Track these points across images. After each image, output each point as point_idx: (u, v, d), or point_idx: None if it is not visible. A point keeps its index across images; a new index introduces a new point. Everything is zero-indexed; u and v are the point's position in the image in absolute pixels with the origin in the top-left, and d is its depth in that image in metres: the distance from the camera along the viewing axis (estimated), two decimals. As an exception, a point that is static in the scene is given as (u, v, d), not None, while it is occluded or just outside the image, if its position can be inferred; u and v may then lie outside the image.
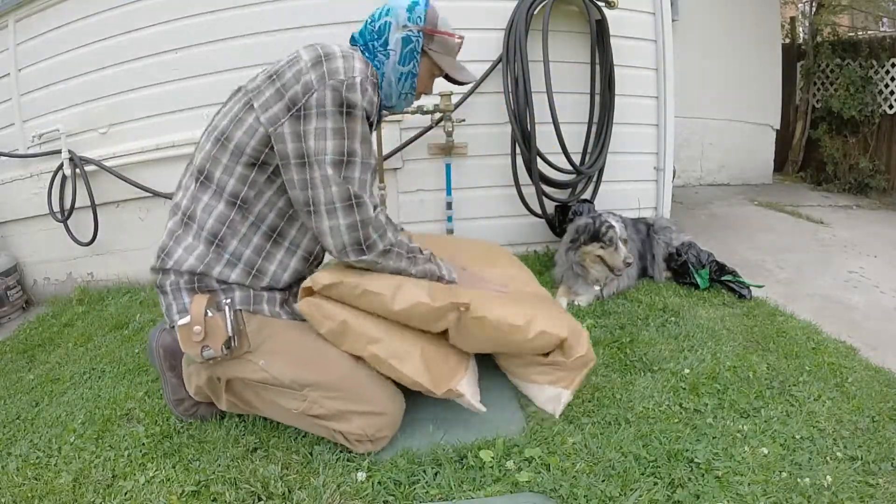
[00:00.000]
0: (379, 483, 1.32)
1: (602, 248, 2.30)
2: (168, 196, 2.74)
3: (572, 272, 2.38)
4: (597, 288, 2.34)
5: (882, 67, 4.57)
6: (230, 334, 1.30)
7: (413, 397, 1.71)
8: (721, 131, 5.03)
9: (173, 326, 1.35)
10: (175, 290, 1.37)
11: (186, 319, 1.29)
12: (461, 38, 1.54)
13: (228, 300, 1.34)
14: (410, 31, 1.43)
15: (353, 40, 1.49)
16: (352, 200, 1.31)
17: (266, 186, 1.38)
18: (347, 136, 1.31)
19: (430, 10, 1.46)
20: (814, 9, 5.24)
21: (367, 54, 1.44)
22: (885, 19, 5.89)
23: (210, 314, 1.29)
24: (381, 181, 2.61)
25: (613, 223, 2.29)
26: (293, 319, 1.43)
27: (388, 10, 1.44)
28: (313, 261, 1.51)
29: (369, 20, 1.47)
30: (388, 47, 1.43)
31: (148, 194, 2.73)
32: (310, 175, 1.30)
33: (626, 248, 2.28)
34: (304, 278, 1.42)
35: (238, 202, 1.37)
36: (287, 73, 1.32)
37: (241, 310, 1.36)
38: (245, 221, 1.38)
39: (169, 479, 1.36)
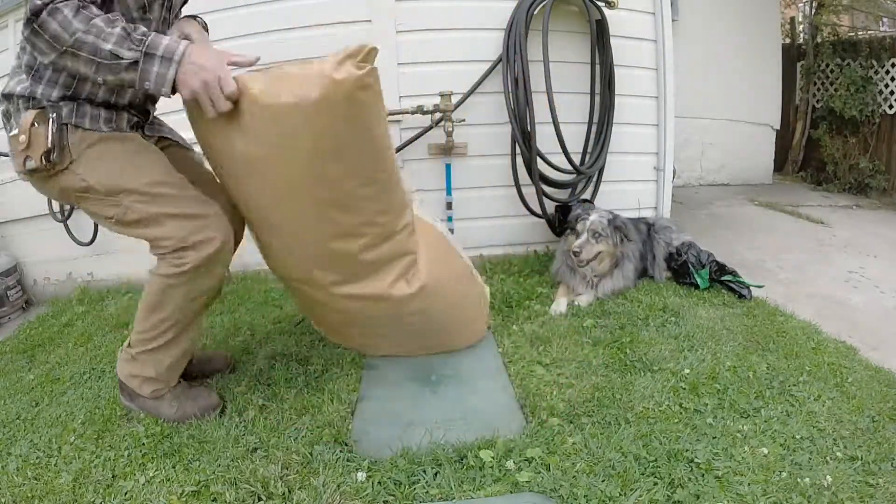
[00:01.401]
0: (379, 483, 1.32)
1: (574, 237, 2.34)
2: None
3: (566, 266, 2.42)
4: (585, 281, 2.35)
5: (882, 67, 4.57)
6: (49, 146, 1.34)
7: (414, 397, 1.71)
8: (721, 131, 5.03)
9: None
10: (14, 112, 1.40)
11: (15, 131, 1.35)
12: None
13: (54, 115, 1.36)
14: None
15: None
16: None
17: None
18: None
19: None
20: (814, 9, 5.24)
21: None
22: (885, 19, 5.89)
23: (36, 125, 1.33)
24: (381, 181, 2.61)
25: (590, 215, 2.33)
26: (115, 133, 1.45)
27: None
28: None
29: None
30: None
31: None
32: None
33: (585, 239, 2.28)
34: (119, 101, 1.45)
35: None
36: None
37: (66, 124, 1.38)
38: None
39: (169, 479, 1.36)
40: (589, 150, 2.85)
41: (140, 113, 1.56)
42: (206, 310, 1.64)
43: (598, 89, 2.79)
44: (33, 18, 1.29)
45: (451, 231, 2.81)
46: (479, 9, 2.62)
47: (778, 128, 5.23)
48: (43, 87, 1.39)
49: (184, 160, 1.64)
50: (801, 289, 2.61)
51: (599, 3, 2.65)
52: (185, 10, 1.65)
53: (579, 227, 2.33)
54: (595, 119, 2.82)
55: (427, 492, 1.30)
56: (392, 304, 1.68)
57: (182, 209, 1.44)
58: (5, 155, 2.79)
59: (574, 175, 2.75)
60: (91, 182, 1.39)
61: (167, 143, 1.65)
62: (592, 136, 2.85)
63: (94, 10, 1.26)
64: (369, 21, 2.56)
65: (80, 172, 1.39)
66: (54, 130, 1.34)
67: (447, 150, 2.66)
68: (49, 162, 1.35)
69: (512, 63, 2.50)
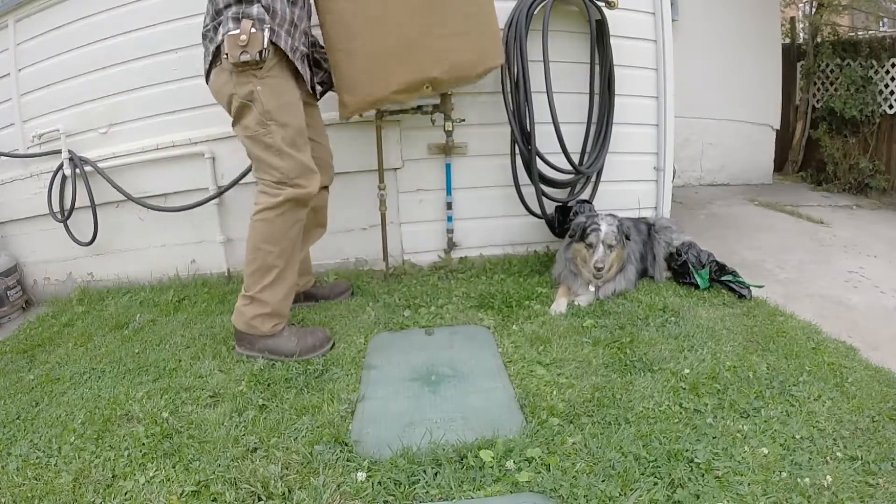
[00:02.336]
0: (379, 483, 1.32)
1: (586, 248, 2.31)
2: (156, 199, 2.74)
3: (568, 270, 2.40)
4: (591, 288, 2.34)
5: (882, 67, 4.57)
6: (264, 46, 1.71)
7: (414, 397, 1.71)
8: (721, 131, 5.03)
9: (222, 41, 1.74)
10: (224, 20, 1.74)
11: (237, 31, 1.70)
12: None
13: (268, 26, 1.74)
14: None
15: None
16: None
17: None
18: None
19: None
20: (814, 9, 5.24)
21: None
22: (885, 19, 5.89)
23: (254, 30, 1.69)
24: (381, 181, 2.61)
25: (601, 225, 2.29)
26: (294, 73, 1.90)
27: None
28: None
29: None
30: None
31: (148, 195, 2.73)
32: None
33: (604, 253, 2.26)
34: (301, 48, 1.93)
35: None
36: None
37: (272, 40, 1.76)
38: None
39: (169, 479, 1.36)
40: (588, 150, 2.85)
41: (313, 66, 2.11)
42: (301, 243, 2.00)
43: (597, 89, 2.79)
44: None
45: (452, 231, 2.81)
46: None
47: (778, 128, 5.23)
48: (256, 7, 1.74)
49: (311, 117, 2.06)
50: (801, 289, 2.61)
51: (599, 3, 2.65)
52: None
53: (592, 238, 2.28)
54: (595, 119, 2.82)
55: (427, 492, 1.30)
56: None
57: (299, 156, 1.85)
58: (5, 155, 2.82)
59: (573, 175, 2.75)
60: (262, 98, 1.77)
61: (307, 102, 2.03)
62: (592, 136, 2.84)
63: None
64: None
65: (259, 86, 1.76)
66: (268, 37, 1.72)
67: (447, 149, 2.66)
68: (262, 59, 1.72)
69: (512, 63, 2.50)
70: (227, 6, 1.75)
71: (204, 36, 1.85)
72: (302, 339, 1.95)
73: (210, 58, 1.83)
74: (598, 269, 2.24)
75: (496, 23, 2.39)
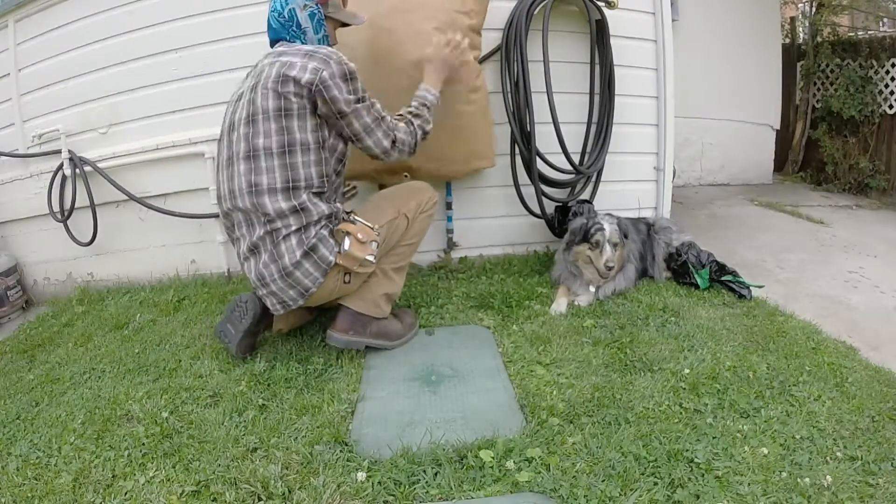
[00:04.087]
0: (379, 483, 1.32)
1: (590, 249, 2.31)
2: (151, 198, 2.74)
3: (569, 272, 2.39)
4: (592, 288, 2.34)
5: (882, 67, 4.57)
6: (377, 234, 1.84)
7: (414, 397, 1.71)
8: (721, 131, 5.03)
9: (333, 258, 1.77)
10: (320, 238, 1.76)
11: (348, 242, 1.76)
12: None
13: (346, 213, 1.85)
14: (310, 6, 1.81)
15: (274, 35, 1.85)
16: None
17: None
18: None
19: None
20: (814, 9, 5.24)
21: (291, 39, 1.83)
22: (885, 19, 5.89)
23: (360, 237, 1.77)
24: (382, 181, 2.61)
25: (604, 225, 2.29)
26: None
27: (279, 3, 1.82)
28: None
29: (275, 13, 1.82)
30: (302, 27, 1.82)
31: (147, 195, 2.73)
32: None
33: (612, 252, 2.26)
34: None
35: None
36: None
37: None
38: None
39: (169, 479, 1.36)
40: (588, 150, 2.85)
41: None
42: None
43: (597, 89, 2.78)
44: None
45: (452, 231, 2.81)
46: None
47: (778, 128, 5.23)
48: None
49: None
50: (801, 289, 2.61)
51: (599, 3, 2.65)
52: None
53: (598, 238, 2.28)
54: (595, 119, 2.81)
55: (427, 492, 1.30)
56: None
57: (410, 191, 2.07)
58: (5, 155, 2.82)
59: (574, 175, 2.75)
60: (381, 221, 1.92)
61: None
62: (592, 136, 2.84)
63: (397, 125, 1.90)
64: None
65: (375, 227, 1.88)
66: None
67: (447, 150, 2.66)
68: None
69: (511, 63, 2.50)
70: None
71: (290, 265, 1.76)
72: (403, 321, 2.06)
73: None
74: (609, 269, 2.25)
75: (491, 125, 2.53)
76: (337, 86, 1.69)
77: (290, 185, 1.71)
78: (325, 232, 1.75)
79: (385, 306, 1.98)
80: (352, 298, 1.93)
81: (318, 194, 1.76)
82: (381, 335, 1.98)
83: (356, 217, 1.83)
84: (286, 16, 1.80)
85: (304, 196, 1.72)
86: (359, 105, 1.75)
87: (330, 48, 1.79)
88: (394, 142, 1.84)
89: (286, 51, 1.77)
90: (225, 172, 1.83)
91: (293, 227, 1.72)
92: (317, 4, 1.81)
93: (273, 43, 1.87)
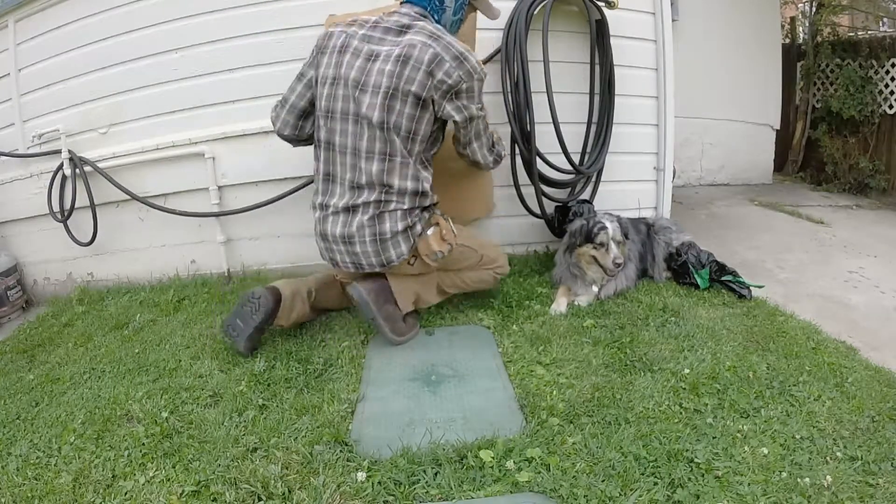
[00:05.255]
0: (379, 483, 1.32)
1: (595, 249, 2.31)
2: (153, 198, 2.74)
3: (570, 273, 2.39)
4: (595, 289, 2.34)
5: (882, 67, 4.57)
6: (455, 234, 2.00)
7: (414, 397, 1.71)
8: (721, 131, 5.03)
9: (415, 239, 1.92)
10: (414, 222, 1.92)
11: (432, 232, 1.94)
12: None
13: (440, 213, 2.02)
14: None
15: (417, 2, 1.90)
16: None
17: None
18: None
19: None
20: (814, 9, 5.24)
21: (430, 11, 1.90)
22: (885, 19, 5.88)
23: (444, 234, 1.97)
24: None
25: (606, 224, 2.29)
26: None
27: None
28: None
29: None
30: (445, 4, 1.91)
31: (148, 195, 2.73)
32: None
33: (617, 250, 2.27)
34: None
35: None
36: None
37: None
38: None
39: (169, 479, 1.36)
40: (588, 150, 2.85)
41: None
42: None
43: (597, 89, 2.78)
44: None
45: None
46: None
47: (778, 128, 5.23)
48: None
49: None
50: (801, 289, 2.61)
51: (599, 3, 2.65)
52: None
53: (602, 237, 2.28)
54: (595, 119, 2.81)
55: (427, 492, 1.30)
56: None
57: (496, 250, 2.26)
58: (5, 155, 2.82)
59: (574, 175, 2.75)
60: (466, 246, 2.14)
61: None
62: (592, 136, 2.84)
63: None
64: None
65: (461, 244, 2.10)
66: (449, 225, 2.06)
67: (447, 150, 2.66)
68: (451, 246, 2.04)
69: (511, 63, 2.50)
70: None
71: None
72: (405, 319, 2.10)
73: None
74: (618, 265, 2.26)
75: (490, 183, 2.65)
76: (470, 97, 1.85)
77: (421, 171, 1.90)
78: (425, 215, 1.93)
79: (409, 305, 2.04)
80: (396, 278, 2.00)
81: (430, 184, 1.94)
82: (389, 319, 1.99)
83: (448, 217, 2.00)
84: None
85: (427, 184, 1.90)
86: (480, 115, 1.92)
87: (464, 45, 1.83)
88: (491, 149, 2.07)
89: (435, 32, 1.81)
90: (346, 126, 1.85)
91: (405, 206, 1.87)
92: None
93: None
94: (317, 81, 1.90)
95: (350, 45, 1.85)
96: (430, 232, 1.93)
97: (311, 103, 1.96)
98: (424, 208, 1.93)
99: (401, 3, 1.93)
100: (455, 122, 1.87)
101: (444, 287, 2.14)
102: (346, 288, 2.03)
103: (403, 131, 1.82)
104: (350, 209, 1.88)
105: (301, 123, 2.01)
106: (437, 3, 1.89)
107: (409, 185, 1.86)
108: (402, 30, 1.84)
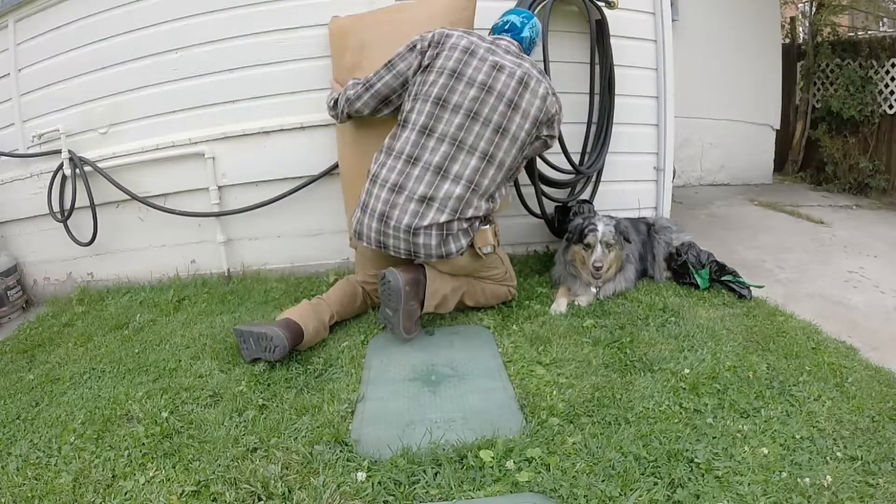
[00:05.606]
0: (379, 483, 1.32)
1: (584, 249, 2.31)
2: (154, 198, 2.74)
3: (569, 273, 2.40)
4: (594, 289, 2.34)
5: (882, 67, 4.57)
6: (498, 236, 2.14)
7: (414, 397, 1.71)
8: (721, 131, 5.03)
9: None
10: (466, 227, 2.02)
11: (488, 227, 2.06)
12: None
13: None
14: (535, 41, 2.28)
15: (517, 37, 2.15)
16: None
17: None
18: None
19: None
20: (814, 9, 5.24)
21: (524, 49, 2.17)
22: (885, 19, 5.88)
23: (496, 232, 2.11)
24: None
25: (598, 226, 2.29)
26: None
27: (535, 27, 2.22)
28: None
29: (528, 39, 2.18)
30: (534, 45, 2.26)
31: (148, 195, 2.73)
32: None
33: (602, 252, 2.26)
34: None
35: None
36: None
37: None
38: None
39: (169, 479, 1.36)
40: (588, 149, 2.85)
41: None
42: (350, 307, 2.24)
43: (597, 89, 2.79)
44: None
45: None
46: (479, 9, 2.61)
47: (778, 128, 5.23)
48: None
49: None
50: (801, 289, 2.61)
51: (599, 3, 2.65)
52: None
53: (590, 239, 2.28)
54: (595, 119, 2.82)
55: (427, 492, 1.30)
56: None
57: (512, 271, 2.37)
58: (5, 155, 2.82)
59: (574, 175, 2.75)
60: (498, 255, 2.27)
61: None
62: (592, 136, 2.84)
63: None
64: (369, 21, 2.57)
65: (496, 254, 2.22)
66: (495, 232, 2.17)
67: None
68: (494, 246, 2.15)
69: (512, 63, 2.50)
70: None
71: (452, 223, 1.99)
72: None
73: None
74: (597, 269, 2.24)
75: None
76: (559, 123, 2.14)
77: (504, 185, 2.08)
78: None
79: (432, 307, 2.06)
80: (434, 274, 2.05)
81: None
82: (408, 315, 2.01)
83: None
84: (535, 34, 2.22)
85: (501, 198, 2.08)
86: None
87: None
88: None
89: (540, 69, 2.12)
90: (454, 118, 1.96)
91: (481, 212, 1.99)
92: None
93: (503, 33, 2.17)
94: (428, 69, 2.00)
95: (477, 50, 2.01)
96: (487, 226, 2.05)
97: (394, 92, 2.07)
98: (488, 217, 2.06)
99: (499, 35, 2.16)
100: (540, 141, 2.14)
101: (465, 298, 2.18)
102: (382, 273, 2.03)
103: (518, 142, 2.00)
104: (427, 200, 1.94)
105: (380, 107, 2.12)
106: (529, 44, 2.20)
107: (493, 190, 2.01)
108: (518, 56, 2.07)
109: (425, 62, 2.02)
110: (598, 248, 2.26)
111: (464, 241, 2.00)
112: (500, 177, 2.02)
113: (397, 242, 1.98)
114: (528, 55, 2.19)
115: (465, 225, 1.98)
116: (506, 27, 2.18)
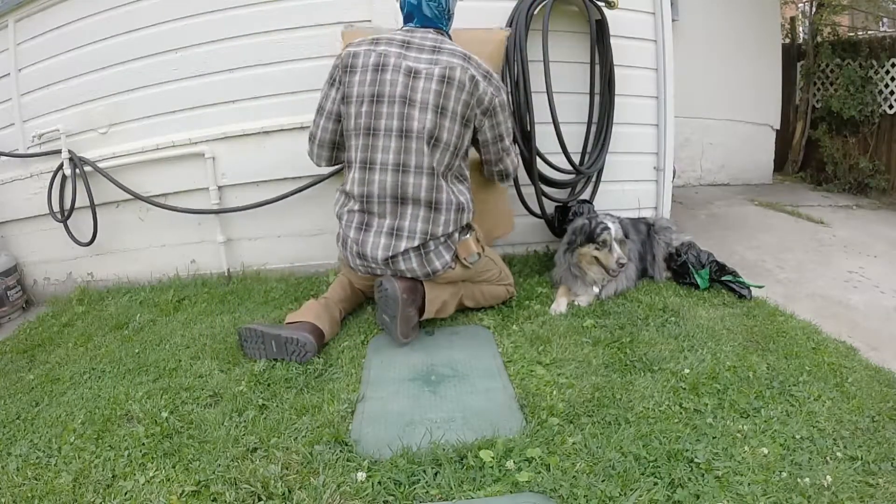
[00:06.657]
0: (379, 483, 1.32)
1: (597, 249, 2.30)
2: (157, 197, 2.74)
3: (570, 273, 2.38)
4: (595, 289, 2.34)
5: (882, 67, 4.57)
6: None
7: (414, 397, 1.71)
8: (721, 131, 5.03)
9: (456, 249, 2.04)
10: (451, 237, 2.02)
11: (469, 236, 2.05)
12: None
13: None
14: None
15: (424, 22, 1.97)
16: None
17: None
18: None
19: None
20: (814, 9, 5.24)
21: (442, 27, 2.00)
22: (885, 19, 5.89)
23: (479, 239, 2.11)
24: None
25: (609, 224, 2.29)
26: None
27: None
28: None
29: (434, 4, 1.95)
30: (450, 15, 2.03)
31: (148, 195, 2.73)
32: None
33: (620, 249, 2.27)
34: None
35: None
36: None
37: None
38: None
39: (169, 479, 1.36)
40: (589, 150, 2.85)
41: None
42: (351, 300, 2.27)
43: (597, 89, 2.79)
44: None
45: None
46: (479, 9, 2.61)
47: (778, 128, 5.23)
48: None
49: None
50: (801, 289, 2.61)
51: (599, 3, 2.65)
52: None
53: (605, 237, 2.28)
54: (595, 119, 2.82)
55: (427, 492, 1.30)
56: None
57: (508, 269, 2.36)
58: (5, 155, 2.82)
59: (574, 175, 2.75)
60: (488, 259, 2.23)
61: None
62: (592, 136, 2.84)
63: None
64: (369, 21, 2.57)
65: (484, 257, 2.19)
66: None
67: (447, 150, 2.66)
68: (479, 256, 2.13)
69: (511, 63, 2.50)
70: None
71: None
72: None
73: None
74: (622, 266, 2.26)
75: (508, 202, 2.59)
76: (503, 110, 1.99)
77: (457, 184, 2.04)
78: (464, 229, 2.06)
79: (433, 312, 2.05)
80: (432, 284, 2.05)
81: (469, 197, 2.06)
82: (405, 321, 1.99)
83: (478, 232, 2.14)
84: (443, 5, 1.97)
85: (466, 197, 2.02)
86: (510, 124, 2.07)
87: (485, 62, 1.97)
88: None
89: (464, 52, 1.92)
90: (389, 143, 1.90)
91: (451, 227, 1.97)
92: None
93: (413, 23, 1.99)
94: (347, 100, 1.93)
95: (388, 63, 1.89)
96: (467, 236, 2.05)
97: (339, 133, 2.01)
98: (465, 226, 2.04)
99: (412, 27, 1.98)
100: (491, 134, 2.02)
101: (464, 300, 2.18)
102: (379, 280, 2.01)
103: (452, 147, 1.92)
104: (395, 232, 1.94)
105: (336, 154, 2.09)
106: (446, 19, 2.01)
107: (454, 199, 1.96)
108: (435, 48, 1.92)
109: (345, 91, 1.93)
110: (617, 246, 2.27)
111: (447, 256, 1.99)
112: (456, 186, 1.99)
113: (383, 271, 2.00)
114: (449, 23, 2.04)
115: (441, 241, 1.97)
116: (411, 11, 1.98)
